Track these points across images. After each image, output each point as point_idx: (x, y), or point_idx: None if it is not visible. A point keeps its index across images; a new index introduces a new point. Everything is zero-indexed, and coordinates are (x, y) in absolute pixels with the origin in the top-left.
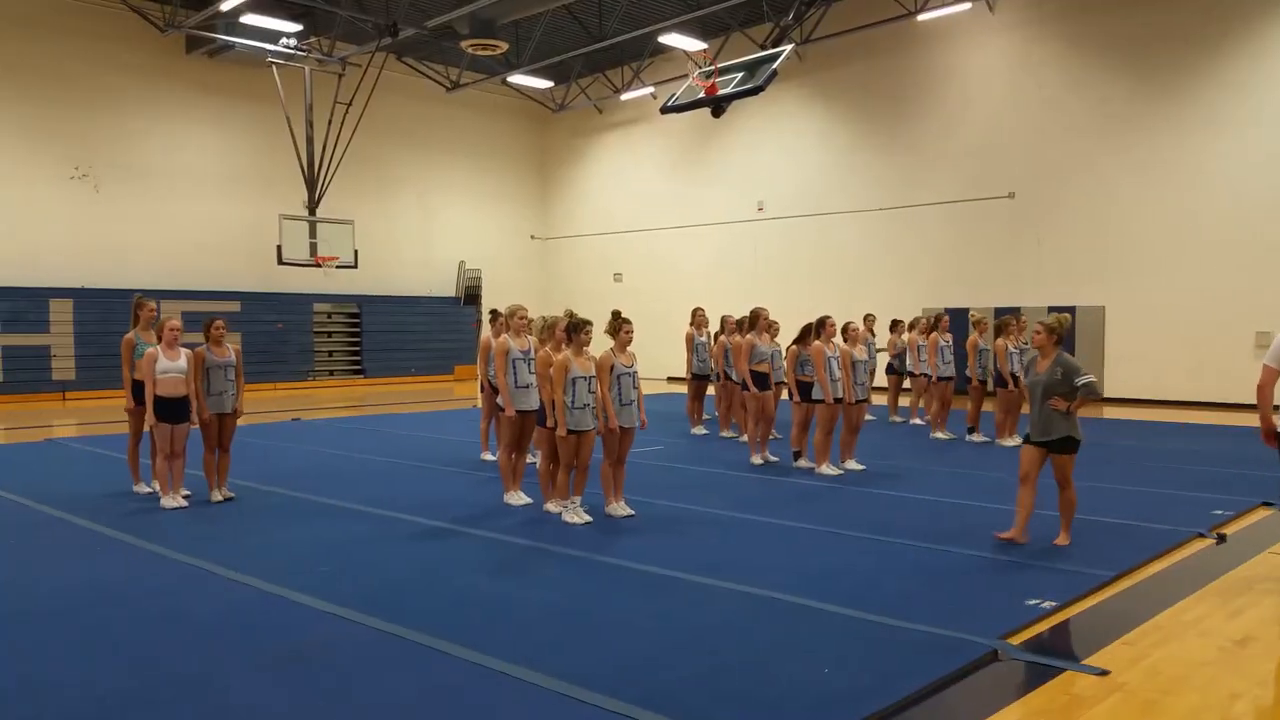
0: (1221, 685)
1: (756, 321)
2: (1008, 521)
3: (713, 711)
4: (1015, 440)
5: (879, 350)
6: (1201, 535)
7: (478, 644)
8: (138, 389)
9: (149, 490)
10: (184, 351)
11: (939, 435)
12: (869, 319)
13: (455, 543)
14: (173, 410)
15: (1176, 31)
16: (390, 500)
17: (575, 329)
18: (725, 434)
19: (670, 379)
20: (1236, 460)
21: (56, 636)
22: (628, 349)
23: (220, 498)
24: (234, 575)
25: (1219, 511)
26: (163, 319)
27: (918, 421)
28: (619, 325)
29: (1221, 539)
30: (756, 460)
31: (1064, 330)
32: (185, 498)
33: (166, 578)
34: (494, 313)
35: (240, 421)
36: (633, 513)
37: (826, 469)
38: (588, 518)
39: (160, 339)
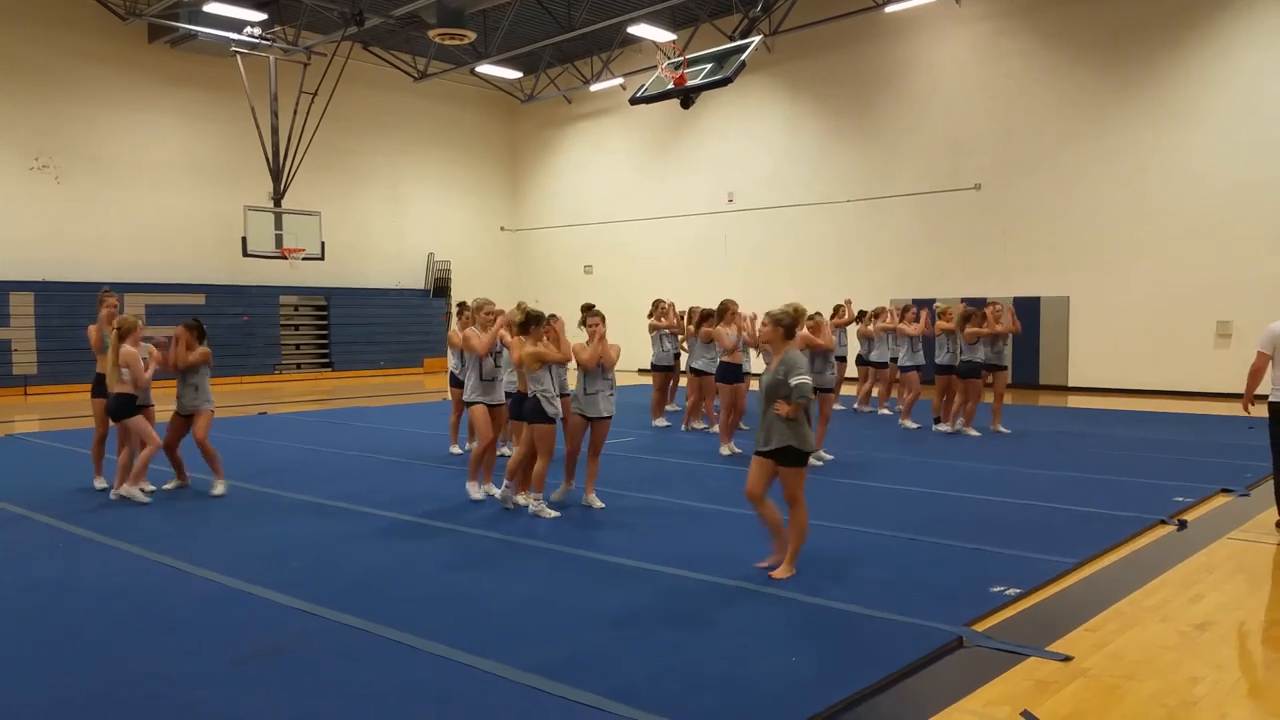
0: (1182, 669)
1: (725, 313)
2: (976, 510)
3: (682, 701)
4: (976, 430)
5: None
6: (1163, 522)
7: (448, 638)
8: (98, 383)
9: (106, 486)
10: (146, 348)
11: (907, 424)
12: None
13: (425, 537)
14: (120, 406)
15: (1141, 24)
16: (360, 495)
17: (533, 322)
18: (697, 425)
19: (641, 371)
20: (1197, 448)
21: (20, 636)
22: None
23: (171, 485)
24: (203, 572)
25: (1180, 498)
26: (134, 320)
27: (885, 411)
28: (585, 319)
29: (1182, 525)
30: (725, 451)
31: (793, 322)
32: (147, 491)
33: (133, 574)
34: (461, 305)
35: None
36: (603, 505)
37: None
38: (555, 512)
39: (122, 336)
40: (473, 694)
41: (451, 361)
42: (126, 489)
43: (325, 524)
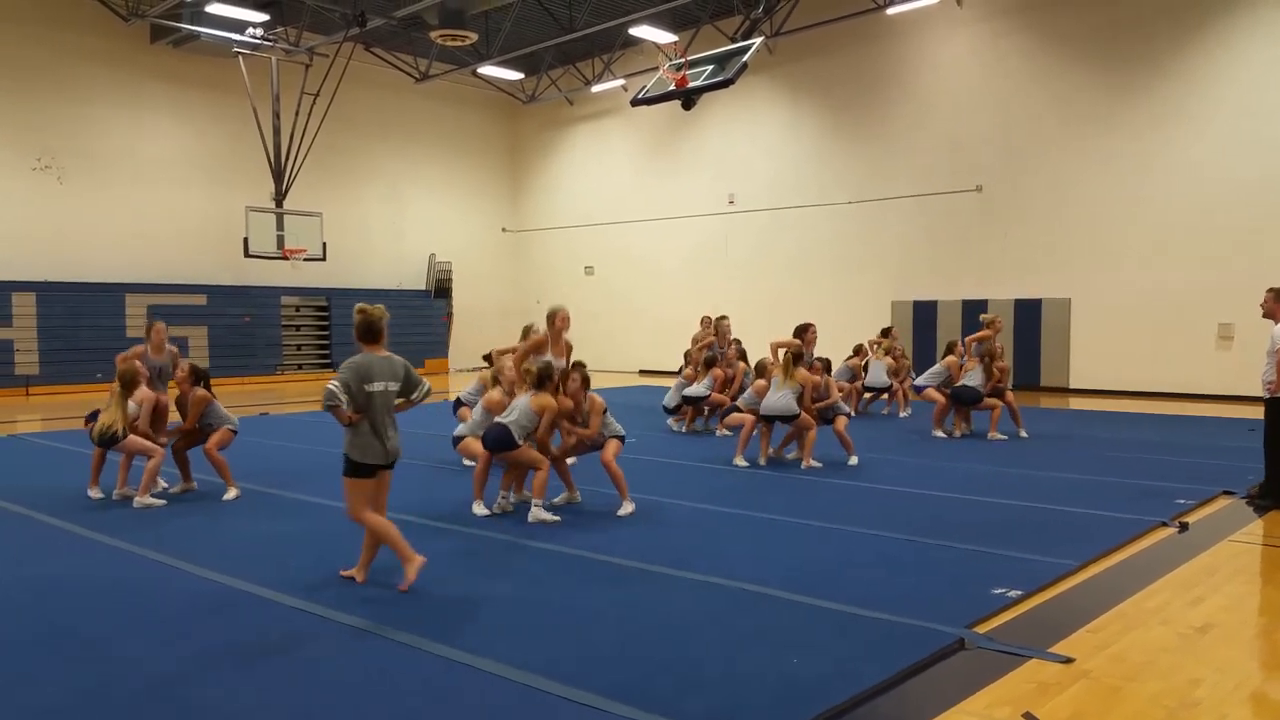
0: (1182, 672)
1: (765, 371)
2: (977, 512)
3: (680, 702)
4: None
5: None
6: (1164, 524)
7: (446, 637)
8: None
9: (103, 496)
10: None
11: (938, 433)
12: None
13: (425, 537)
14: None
15: (1141, 25)
16: None
17: (547, 378)
18: (722, 432)
19: (642, 372)
20: (1199, 450)
21: (22, 634)
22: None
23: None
24: (204, 571)
25: (1181, 501)
26: (135, 367)
27: (905, 414)
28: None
29: (1183, 528)
30: (740, 462)
31: (363, 327)
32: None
33: (134, 574)
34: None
35: None
36: (548, 520)
37: (816, 463)
38: (556, 517)
39: (125, 386)
40: (472, 693)
41: (468, 389)
42: (139, 500)
43: (326, 524)
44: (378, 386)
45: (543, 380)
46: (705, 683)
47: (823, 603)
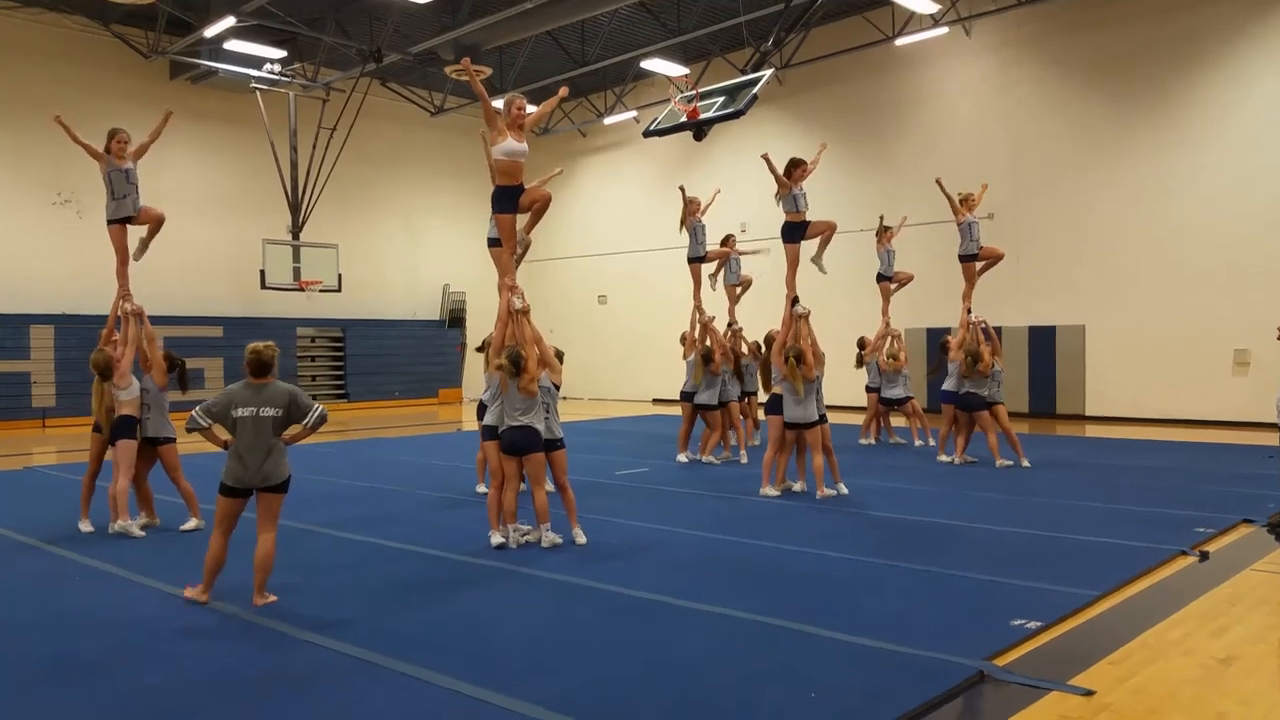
0: (1206, 704)
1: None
2: (994, 541)
3: None
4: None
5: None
6: (1184, 553)
7: (454, 669)
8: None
9: (92, 529)
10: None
11: (943, 459)
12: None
13: (433, 567)
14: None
15: (1151, 53)
16: (367, 525)
17: (517, 365)
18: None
19: (655, 401)
20: (1217, 477)
21: (35, 666)
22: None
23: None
24: (214, 603)
25: (1201, 529)
26: (106, 354)
27: (920, 443)
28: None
29: (1204, 556)
30: (772, 492)
31: (252, 361)
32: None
33: (146, 606)
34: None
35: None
36: (559, 541)
37: (830, 491)
38: (559, 537)
39: (104, 376)
40: None
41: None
42: (117, 525)
43: (332, 554)
44: (244, 412)
45: (517, 367)
46: (723, 716)
47: (839, 635)
